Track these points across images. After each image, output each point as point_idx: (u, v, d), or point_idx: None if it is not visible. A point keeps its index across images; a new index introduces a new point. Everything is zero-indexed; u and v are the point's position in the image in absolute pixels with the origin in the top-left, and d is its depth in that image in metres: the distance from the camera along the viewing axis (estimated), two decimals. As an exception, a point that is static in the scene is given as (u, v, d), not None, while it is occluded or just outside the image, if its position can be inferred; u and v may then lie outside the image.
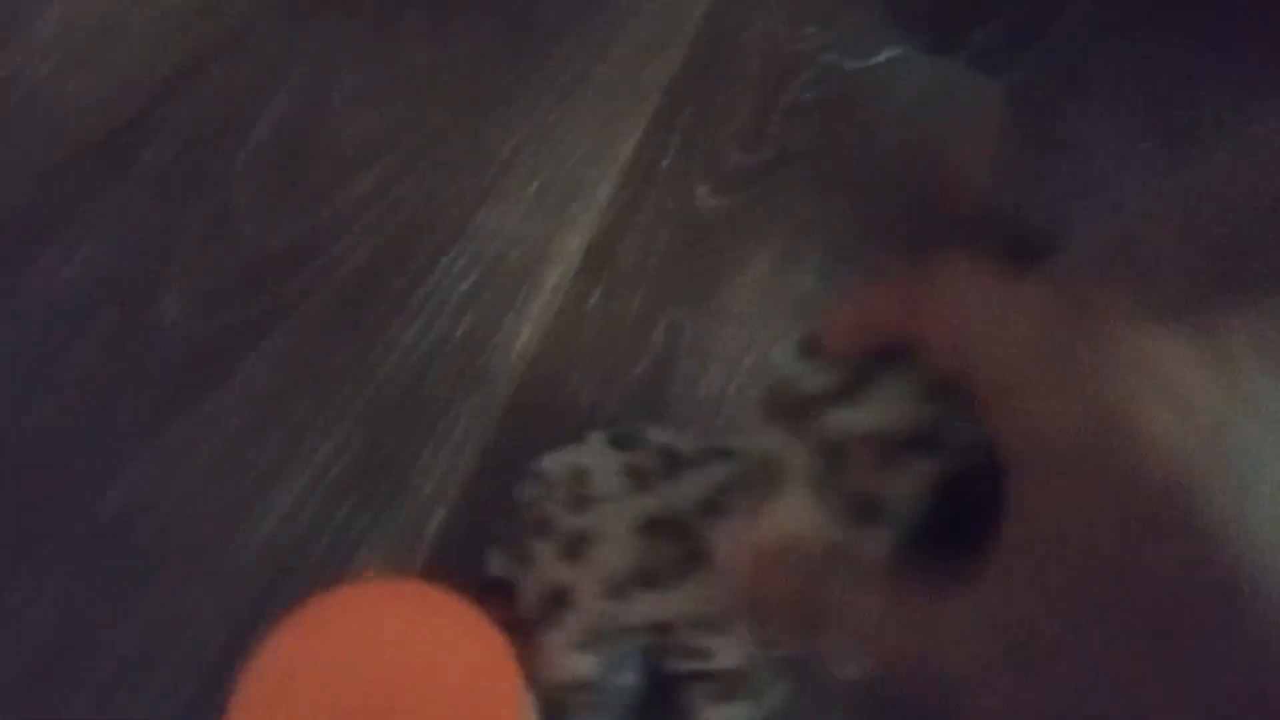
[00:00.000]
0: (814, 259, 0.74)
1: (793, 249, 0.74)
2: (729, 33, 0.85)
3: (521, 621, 0.45)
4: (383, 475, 0.55)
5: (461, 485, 0.56)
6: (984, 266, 0.29)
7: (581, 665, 0.44)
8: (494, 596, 0.44)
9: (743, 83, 0.83)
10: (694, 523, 0.42)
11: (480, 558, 0.54)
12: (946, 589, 0.26)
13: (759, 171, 0.78)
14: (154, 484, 0.52)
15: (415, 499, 0.55)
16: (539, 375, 0.61)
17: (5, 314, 0.56)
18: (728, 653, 0.42)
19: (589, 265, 0.67)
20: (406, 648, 0.35)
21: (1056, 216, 0.83)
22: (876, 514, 0.31)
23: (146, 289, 0.58)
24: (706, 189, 0.75)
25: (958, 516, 0.29)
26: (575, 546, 0.44)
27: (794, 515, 0.32)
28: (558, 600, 0.44)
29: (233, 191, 0.63)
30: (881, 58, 0.90)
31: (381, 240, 0.63)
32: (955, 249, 0.32)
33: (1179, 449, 0.22)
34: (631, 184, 0.73)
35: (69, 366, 0.55)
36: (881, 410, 0.32)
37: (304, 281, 0.61)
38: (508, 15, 0.78)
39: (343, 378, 0.58)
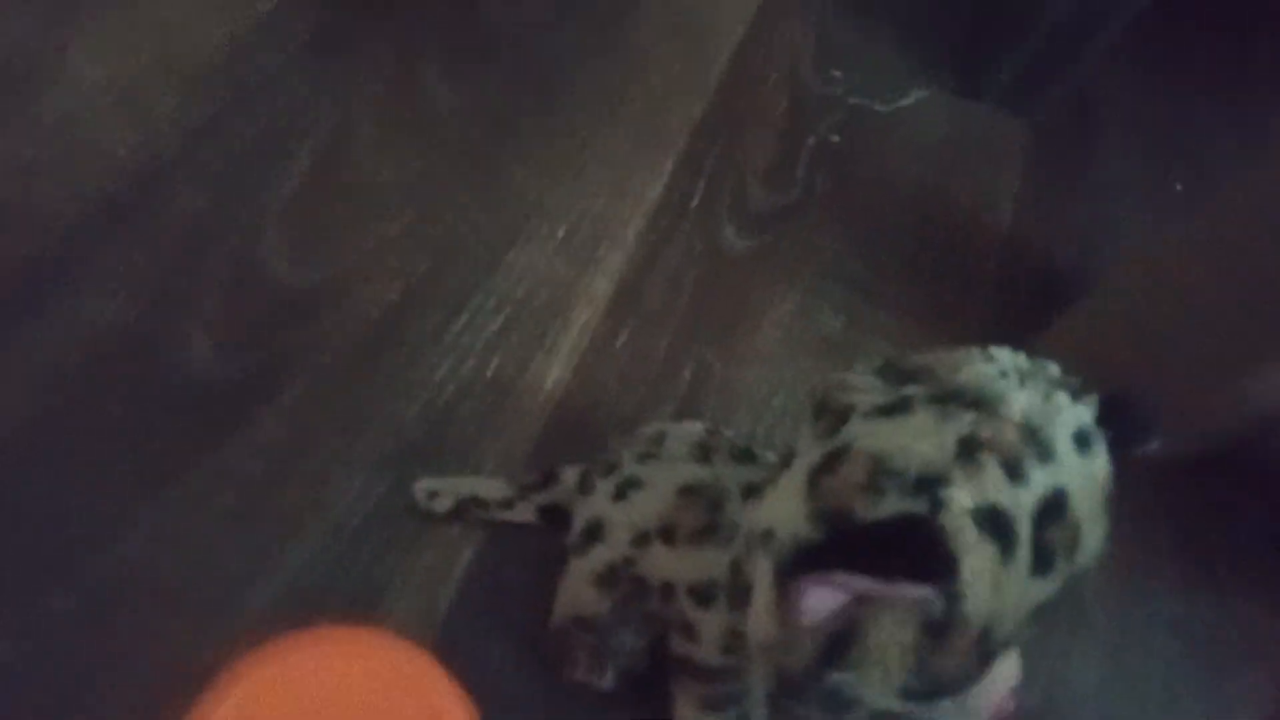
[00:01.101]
0: (840, 298, 0.73)
1: (819, 288, 0.73)
2: (755, 75, 0.86)
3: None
4: (406, 520, 0.54)
5: (489, 527, 0.55)
6: None
7: (593, 599, 0.47)
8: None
9: (769, 124, 0.83)
10: (729, 501, 0.43)
11: (507, 598, 0.53)
12: None
13: (785, 212, 0.77)
14: (169, 534, 0.52)
15: (441, 542, 0.54)
16: (566, 416, 0.61)
17: (31, 361, 0.56)
18: (713, 652, 0.43)
19: (617, 306, 0.67)
20: (358, 696, 0.34)
21: (1084, 254, 0.82)
22: (840, 523, 0.31)
23: (173, 333, 0.59)
24: (733, 230, 0.75)
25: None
26: (625, 489, 0.47)
27: (776, 504, 0.33)
28: (593, 534, 0.47)
29: (261, 236, 0.64)
30: (909, 100, 0.90)
31: (409, 282, 0.64)
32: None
33: None
34: (659, 225, 0.73)
35: (91, 413, 0.55)
36: (893, 438, 0.32)
37: (330, 325, 0.61)
38: (526, 55, 0.79)
39: (367, 422, 0.57)
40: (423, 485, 0.54)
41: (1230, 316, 0.62)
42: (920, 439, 0.32)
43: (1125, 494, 0.68)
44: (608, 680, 0.49)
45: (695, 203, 0.75)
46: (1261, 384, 0.61)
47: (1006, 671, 0.37)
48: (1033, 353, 0.76)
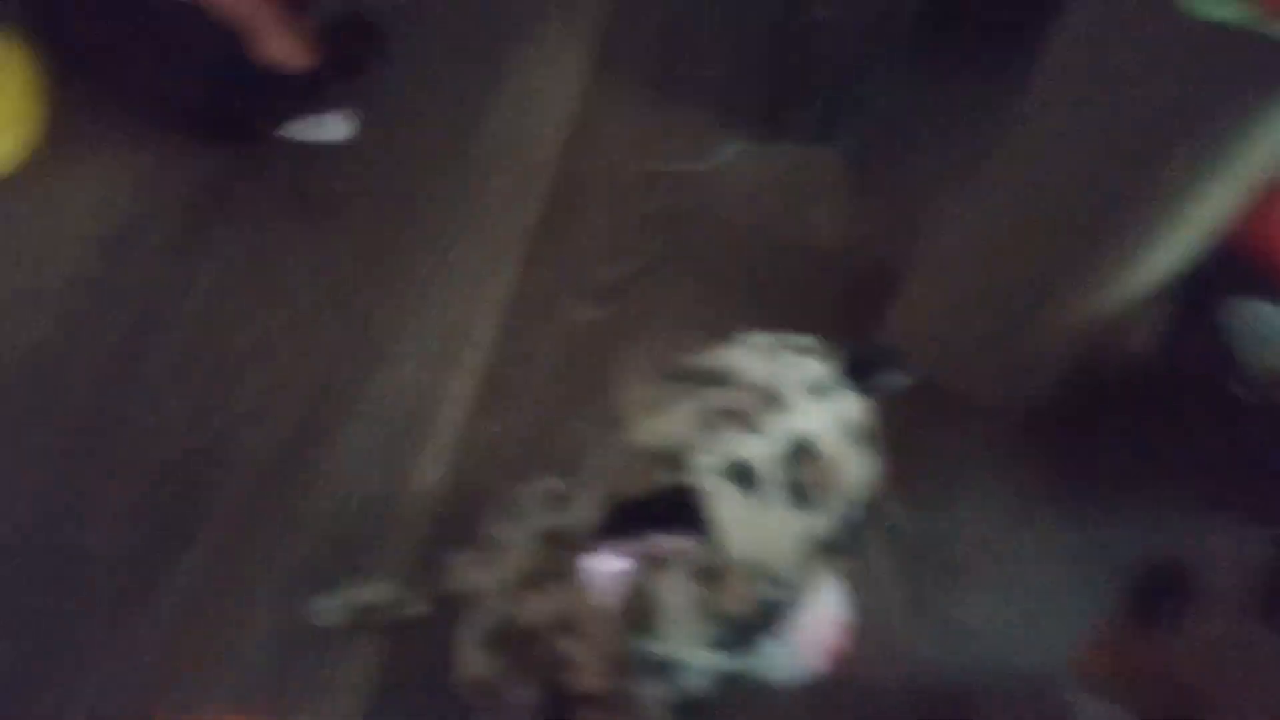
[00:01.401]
0: (694, 344, 0.78)
1: (672, 339, 0.79)
2: (580, 168, 0.93)
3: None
4: (311, 641, 0.57)
5: (391, 630, 0.58)
6: None
7: (481, 663, 0.49)
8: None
9: (599, 206, 0.90)
10: (580, 535, 0.46)
11: (419, 688, 0.56)
12: None
13: (629, 280, 0.83)
14: (108, 697, 0.54)
15: (347, 652, 0.57)
16: (451, 510, 0.65)
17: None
18: (595, 678, 0.44)
19: (483, 399, 0.72)
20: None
21: (909, 249, 0.89)
22: (627, 515, 0.35)
23: (69, 519, 0.62)
24: (584, 306, 0.80)
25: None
26: (491, 554, 0.51)
27: (582, 513, 0.37)
28: (471, 602, 0.50)
29: (140, 417, 0.68)
30: (724, 156, 0.98)
31: (283, 426, 0.68)
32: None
33: None
34: (513, 319, 0.78)
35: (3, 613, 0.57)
36: (658, 428, 0.36)
37: (213, 487, 0.64)
38: (371, 208, 0.86)
39: (262, 563, 0.61)
40: (317, 605, 0.57)
41: (1016, 267, 0.68)
42: (673, 423, 0.37)
43: (994, 448, 0.74)
44: None
45: (543, 292, 0.81)
46: (1058, 317, 0.67)
47: (829, 612, 0.41)
48: (876, 343, 0.81)
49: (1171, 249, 0.62)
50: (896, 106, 1.04)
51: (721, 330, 0.78)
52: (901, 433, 0.71)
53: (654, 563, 0.35)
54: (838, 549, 0.39)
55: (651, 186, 0.93)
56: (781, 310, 0.83)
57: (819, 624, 0.40)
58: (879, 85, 0.98)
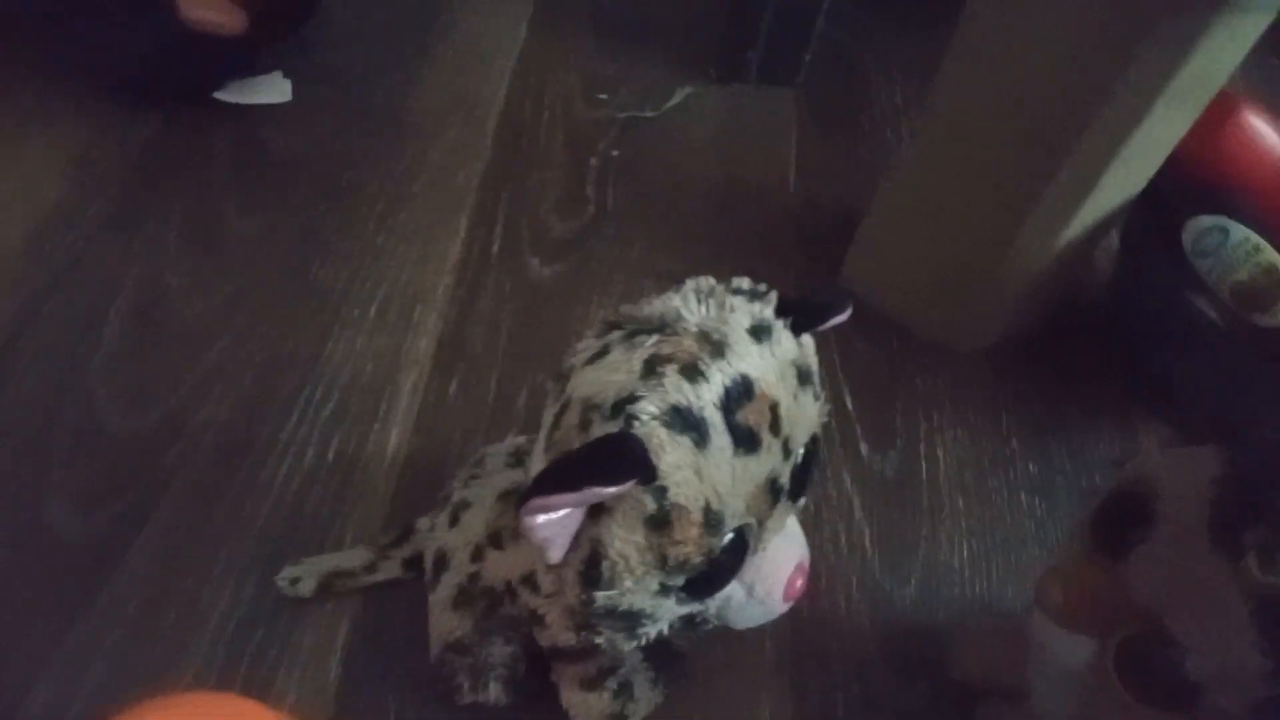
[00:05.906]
0: (653, 294, 0.78)
1: (631, 291, 0.78)
2: (527, 122, 0.92)
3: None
4: (281, 610, 0.57)
5: (361, 594, 0.58)
6: None
7: (455, 622, 0.50)
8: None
9: (550, 159, 0.89)
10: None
11: (393, 652, 0.56)
12: None
13: (584, 232, 0.83)
14: (68, 684, 0.54)
15: (317, 621, 0.57)
16: (415, 475, 0.64)
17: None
18: (563, 632, 0.45)
19: (441, 362, 0.71)
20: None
21: (871, 189, 0.89)
22: (566, 467, 0.35)
23: (28, 504, 0.61)
24: (538, 261, 0.80)
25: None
26: (457, 514, 0.51)
27: (530, 472, 0.37)
28: (440, 564, 0.51)
29: (93, 395, 0.67)
30: (677, 100, 0.97)
31: (239, 398, 0.67)
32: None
33: None
34: (466, 278, 0.77)
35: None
36: (596, 379, 0.36)
37: (175, 456, 0.64)
38: (316, 170, 0.84)
39: (225, 535, 0.60)
40: (284, 574, 0.57)
41: (968, 204, 0.68)
42: (614, 372, 0.37)
43: (964, 388, 0.74)
44: (493, 694, 0.51)
45: (496, 248, 0.80)
46: (1015, 253, 0.67)
47: (788, 553, 0.41)
48: (818, 284, 0.81)
49: (1127, 175, 0.62)
50: (852, 43, 1.03)
51: (681, 278, 0.79)
52: (870, 375, 0.74)
53: (600, 513, 0.35)
54: (787, 490, 0.39)
55: (602, 136, 0.92)
56: (741, 256, 0.83)
57: (776, 565, 0.40)
58: (832, 21, 0.96)
